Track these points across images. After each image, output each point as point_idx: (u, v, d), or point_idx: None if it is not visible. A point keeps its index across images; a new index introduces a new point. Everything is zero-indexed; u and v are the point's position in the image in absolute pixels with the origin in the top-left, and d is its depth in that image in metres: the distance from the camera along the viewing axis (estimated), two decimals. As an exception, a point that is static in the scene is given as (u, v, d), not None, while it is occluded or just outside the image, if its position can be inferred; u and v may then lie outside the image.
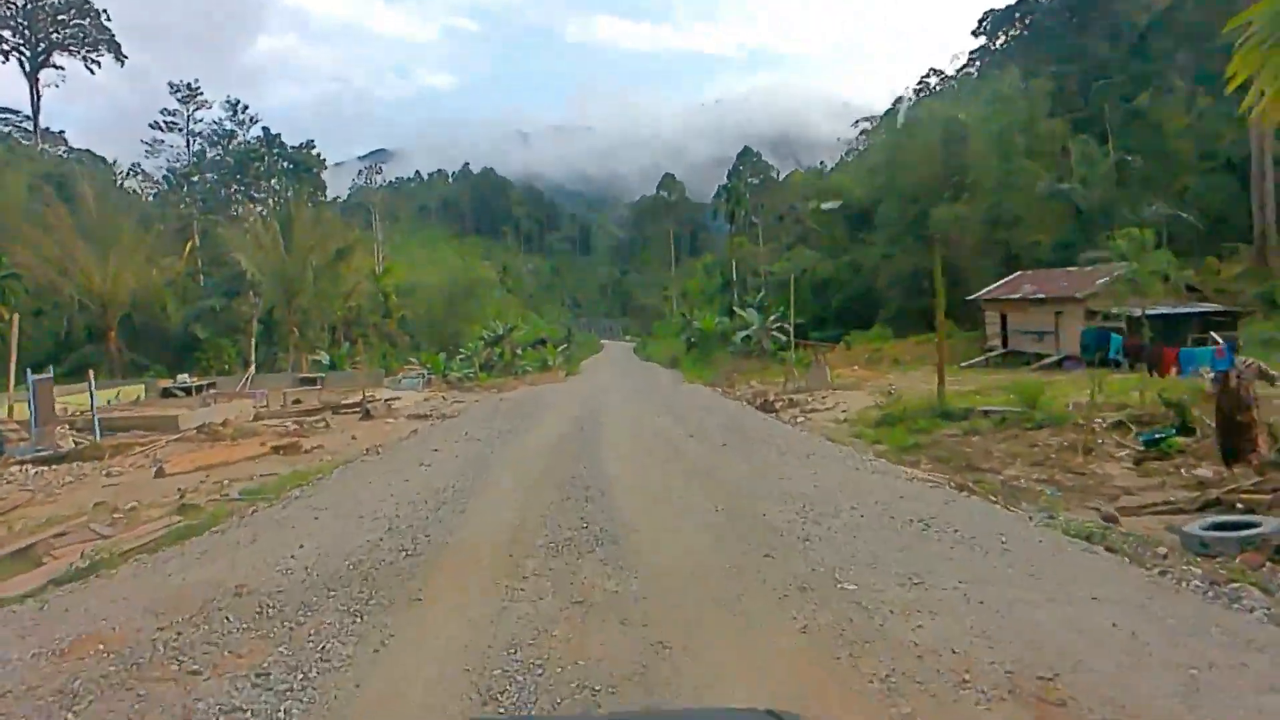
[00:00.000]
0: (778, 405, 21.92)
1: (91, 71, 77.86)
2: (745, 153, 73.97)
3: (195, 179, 51.48)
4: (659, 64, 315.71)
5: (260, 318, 42.95)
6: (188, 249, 39.98)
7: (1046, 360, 31.28)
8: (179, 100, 55.72)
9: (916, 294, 46.94)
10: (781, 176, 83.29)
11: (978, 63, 67.72)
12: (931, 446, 12.97)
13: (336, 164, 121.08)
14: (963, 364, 35.29)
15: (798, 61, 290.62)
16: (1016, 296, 33.79)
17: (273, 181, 47.07)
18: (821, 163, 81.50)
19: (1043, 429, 13.17)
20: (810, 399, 23.05)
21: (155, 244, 38.42)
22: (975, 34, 70.96)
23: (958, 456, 12.04)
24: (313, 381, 30.40)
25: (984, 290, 36.95)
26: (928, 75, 70.33)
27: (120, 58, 79.66)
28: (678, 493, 9.81)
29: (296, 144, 51.62)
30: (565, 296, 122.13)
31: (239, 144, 52.95)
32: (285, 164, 50.75)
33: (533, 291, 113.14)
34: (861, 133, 69.97)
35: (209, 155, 52.83)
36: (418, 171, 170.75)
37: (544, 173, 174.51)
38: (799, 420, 18.77)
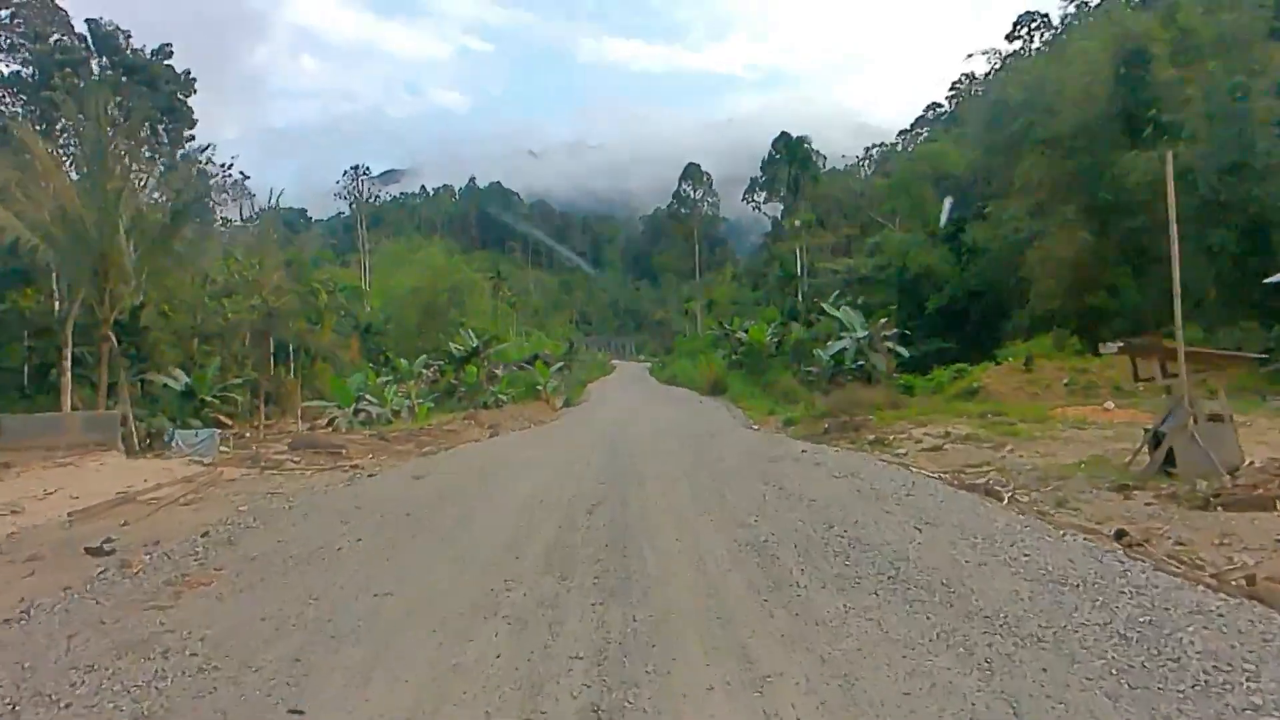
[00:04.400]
0: None
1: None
2: (784, 139, 56.55)
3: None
4: (670, 83, 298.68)
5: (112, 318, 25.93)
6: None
7: None
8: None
9: (1083, 284, 29.55)
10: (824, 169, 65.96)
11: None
12: None
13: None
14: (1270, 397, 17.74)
15: (811, 81, 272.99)
16: None
17: (106, 106, 28.89)
18: (883, 143, 64.23)
19: None
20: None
21: None
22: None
23: None
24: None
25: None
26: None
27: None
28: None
29: (146, 50, 33.11)
30: (574, 313, 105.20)
31: (51, 45, 34.39)
32: (127, 79, 32.65)
33: (538, 307, 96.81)
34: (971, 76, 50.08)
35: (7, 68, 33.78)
36: (423, 186, 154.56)
37: (554, 190, 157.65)
38: None
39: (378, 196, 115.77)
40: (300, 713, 3.67)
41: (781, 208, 67.96)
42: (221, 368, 26.95)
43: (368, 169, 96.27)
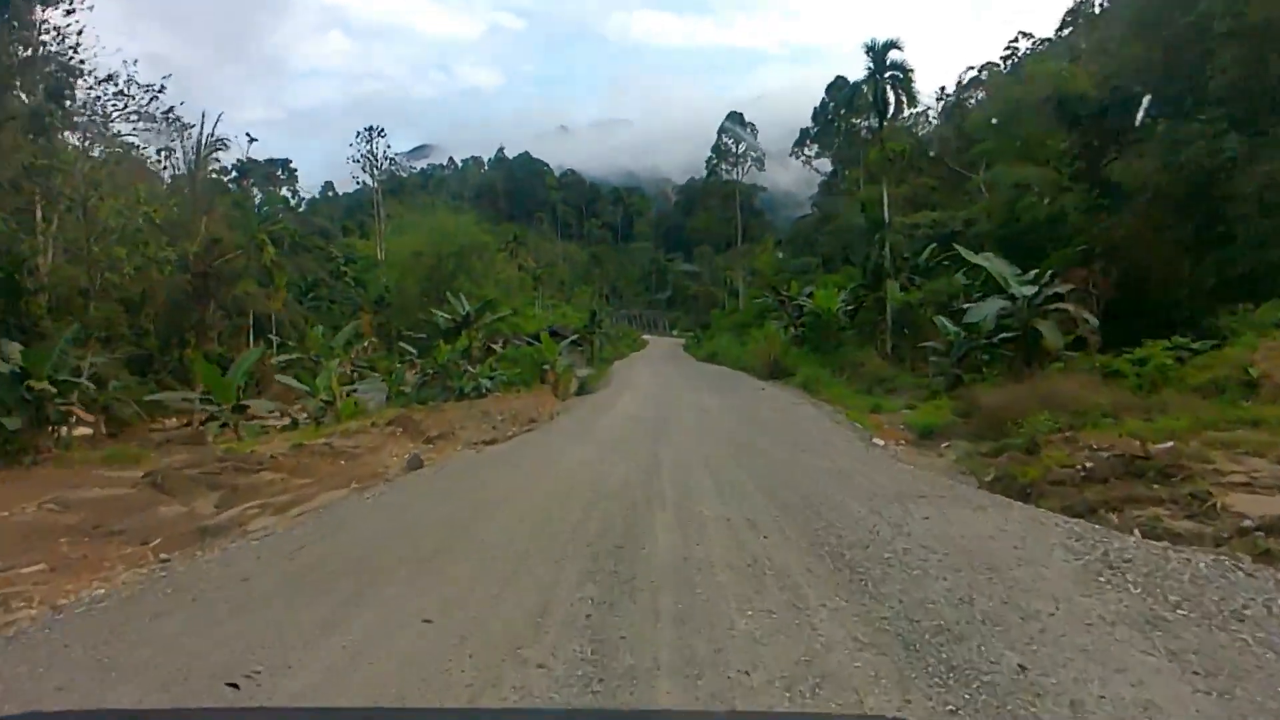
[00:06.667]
0: None
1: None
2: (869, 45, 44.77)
3: None
4: (700, 59, 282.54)
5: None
6: None
7: None
8: None
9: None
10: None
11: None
12: None
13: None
14: None
15: (842, 57, 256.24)
16: None
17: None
18: (974, 67, 53.71)
19: None
20: None
21: None
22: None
23: None
24: None
25: None
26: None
27: None
28: None
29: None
30: (604, 286, 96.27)
31: None
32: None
33: (565, 278, 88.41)
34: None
35: None
36: (451, 158, 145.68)
37: (583, 166, 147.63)
38: None
39: (401, 170, 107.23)
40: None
41: (831, 168, 58.29)
42: (105, 338, 18.71)
43: (383, 130, 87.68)
